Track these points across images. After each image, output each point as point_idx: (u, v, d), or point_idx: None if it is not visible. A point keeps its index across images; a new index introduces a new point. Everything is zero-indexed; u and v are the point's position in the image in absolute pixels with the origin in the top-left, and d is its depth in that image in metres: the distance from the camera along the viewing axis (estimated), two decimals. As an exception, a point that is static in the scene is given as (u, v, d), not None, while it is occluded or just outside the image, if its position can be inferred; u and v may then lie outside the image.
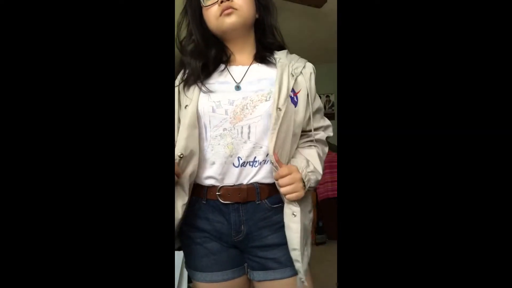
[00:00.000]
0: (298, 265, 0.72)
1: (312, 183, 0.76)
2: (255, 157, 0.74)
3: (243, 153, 0.73)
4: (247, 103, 0.74)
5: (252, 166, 0.74)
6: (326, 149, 0.88)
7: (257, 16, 0.82)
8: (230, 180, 0.75)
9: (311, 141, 0.83)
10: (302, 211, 0.74)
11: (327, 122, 0.88)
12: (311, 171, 0.76)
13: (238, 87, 0.77)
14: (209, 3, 0.77)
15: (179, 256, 0.85)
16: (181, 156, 0.71)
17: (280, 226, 0.74)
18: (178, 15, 0.83)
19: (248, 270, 0.80)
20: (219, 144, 0.74)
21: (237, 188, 0.74)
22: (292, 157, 0.78)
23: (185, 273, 1.28)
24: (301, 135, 0.82)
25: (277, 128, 0.70)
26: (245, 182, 0.75)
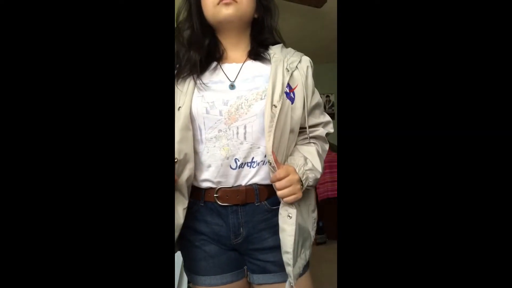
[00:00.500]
0: (289, 269, 0.70)
1: (310, 182, 0.74)
2: (252, 158, 0.72)
3: (240, 154, 0.71)
4: (242, 103, 0.71)
5: (250, 167, 0.72)
6: (326, 146, 0.85)
7: (256, 16, 0.80)
8: (228, 182, 0.73)
9: (310, 137, 0.80)
10: (301, 212, 0.72)
11: (327, 118, 0.85)
12: (309, 169, 0.74)
13: (232, 86, 0.74)
14: None
15: (179, 257, 0.84)
16: (176, 160, 0.69)
17: None
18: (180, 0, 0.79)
19: (248, 273, 0.78)
20: (214, 146, 0.72)
21: (235, 190, 0.73)
22: (290, 155, 0.76)
23: (185, 274, 1.28)
24: (300, 132, 0.79)
25: (273, 126, 0.68)
26: (243, 183, 0.73)
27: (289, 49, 0.81)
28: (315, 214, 0.81)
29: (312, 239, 0.81)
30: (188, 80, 0.74)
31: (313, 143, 0.81)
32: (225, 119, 0.71)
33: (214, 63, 0.77)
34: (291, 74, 0.74)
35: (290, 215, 0.70)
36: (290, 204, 0.70)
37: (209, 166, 0.73)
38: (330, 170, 2.92)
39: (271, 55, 0.77)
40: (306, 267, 0.79)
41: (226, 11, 0.73)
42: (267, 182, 0.73)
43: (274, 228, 0.72)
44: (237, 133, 0.71)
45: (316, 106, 0.81)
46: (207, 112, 0.71)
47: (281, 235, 0.70)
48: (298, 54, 0.80)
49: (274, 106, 0.69)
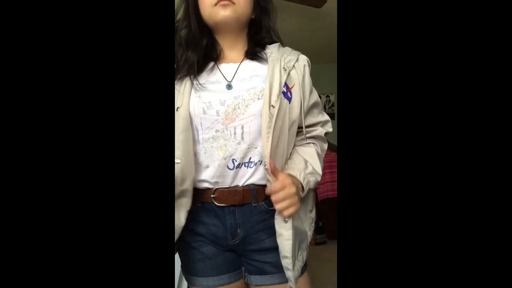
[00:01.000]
0: (289, 274, 0.69)
1: (311, 185, 0.73)
2: (250, 158, 0.71)
3: (237, 155, 0.71)
4: (239, 103, 0.70)
5: (247, 167, 0.72)
6: (325, 145, 0.84)
7: (253, 16, 0.79)
8: (225, 183, 0.72)
9: (310, 137, 0.80)
10: (298, 213, 0.71)
11: (325, 117, 0.84)
12: (310, 173, 0.73)
13: (229, 86, 0.73)
14: None
15: (179, 258, 0.84)
16: (178, 162, 0.68)
17: None
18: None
19: (246, 274, 0.78)
20: (212, 147, 0.71)
21: (232, 190, 0.72)
22: (289, 158, 0.75)
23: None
24: (298, 132, 0.78)
25: (272, 127, 0.67)
26: (240, 184, 0.72)
27: (286, 48, 0.81)
28: (313, 214, 0.81)
29: (310, 239, 0.80)
30: (185, 80, 0.74)
31: (312, 143, 0.80)
32: (222, 119, 0.70)
33: (211, 63, 0.77)
34: (288, 73, 0.73)
35: (286, 219, 0.69)
36: None
37: (207, 166, 0.72)
38: (330, 170, 2.92)
39: (268, 55, 0.76)
40: (304, 268, 0.78)
41: (224, 13, 0.72)
42: (264, 182, 0.72)
43: (272, 229, 0.71)
44: (235, 133, 0.70)
45: (314, 105, 0.80)
46: (204, 113, 0.71)
47: (278, 239, 0.69)
48: (295, 53, 0.79)
49: (272, 106, 0.68)
